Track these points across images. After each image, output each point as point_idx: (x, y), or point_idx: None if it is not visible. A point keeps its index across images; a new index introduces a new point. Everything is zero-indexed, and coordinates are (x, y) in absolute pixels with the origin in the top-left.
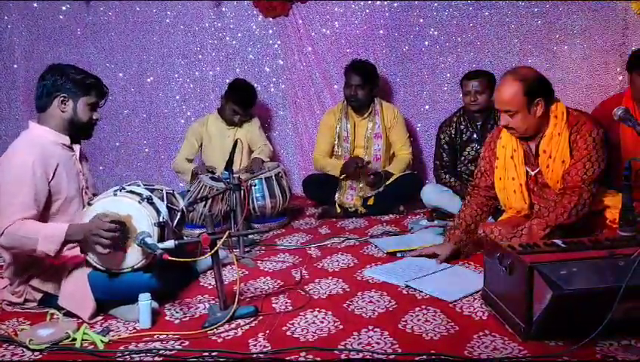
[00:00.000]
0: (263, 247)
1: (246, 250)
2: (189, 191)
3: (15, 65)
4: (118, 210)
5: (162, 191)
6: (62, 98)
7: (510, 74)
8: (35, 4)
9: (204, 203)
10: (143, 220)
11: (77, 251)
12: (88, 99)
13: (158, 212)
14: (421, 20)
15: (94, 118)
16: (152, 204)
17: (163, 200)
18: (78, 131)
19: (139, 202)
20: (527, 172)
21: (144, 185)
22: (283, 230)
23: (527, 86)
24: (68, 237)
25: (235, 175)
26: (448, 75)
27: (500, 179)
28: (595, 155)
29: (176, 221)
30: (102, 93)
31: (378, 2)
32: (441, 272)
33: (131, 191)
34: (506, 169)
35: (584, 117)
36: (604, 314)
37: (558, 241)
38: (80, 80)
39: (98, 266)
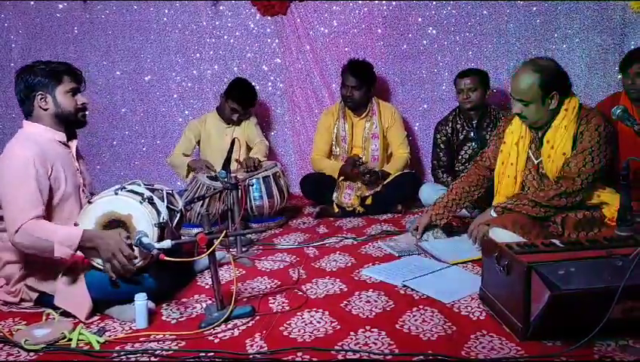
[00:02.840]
0: (261, 247)
1: (243, 249)
2: (186, 190)
3: (12, 64)
4: (118, 210)
5: (162, 191)
6: (39, 96)
7: (529, 64)
8: (32, 3)
9: (201, 202)
10: (143, 220)
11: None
12: (64, 87)
13: (159, 212)
14: (420, 19)
15: (79, 103)
16: (152, 204)
17: (163, 201)
18: (69, 122)
19: (140, 202)
20: (530, 159)
21: (144, 184)
22: (280, 229)
23: (545, 78)
24: (82, 243)
25: (232, 174)
26: (447, 74)
27: (503, 163)
28: (598, 150)
29: (175, 221)
30: (76, 76)
31: (376, 1)
32: (438, 273)
33: (132, 191)
34: (509, 154)
35: (594, 112)
36: (602, 314)
37: (556, 241)
38: (48, 71)
39: (96, 266)
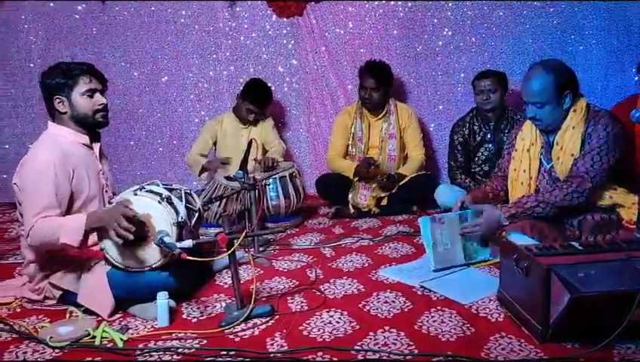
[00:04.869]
0: (277, 247)
1: (260, 249)
2: (203, 190)
3: (31, 65)
4: (138, 209)
5: (181, 191)
6: (57, 99)
7: (541, 65)
8: (51, 4)
9: (218, 202)
10: (162, 220)
11: (97, 248)
12: (80, 88)
13: (177, 212)
14: (435, 20)
15: (97, 103)
16: (171, 203)
17: (181, 200)
18: (87, 124)
19: (158, 202)
20: (542, 165)
21: (163, 184)
22: (297, 229)
23: (559, 77)
24: (88, 226)
25: (250, 175)
26: (462, 75)
27: (515, 170)
28: (606, 150)
29: (193, 221)
30: (95, 76)
31: (392, 2)
32: (455, 274)
33: (151, 191)
34: (521, 161)
35: (603, 112)
36: (621, 317)
37: (575, 243)
38: (63, 73)
39: (117, 265)
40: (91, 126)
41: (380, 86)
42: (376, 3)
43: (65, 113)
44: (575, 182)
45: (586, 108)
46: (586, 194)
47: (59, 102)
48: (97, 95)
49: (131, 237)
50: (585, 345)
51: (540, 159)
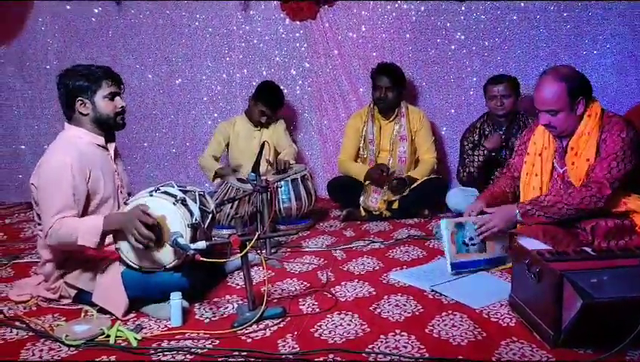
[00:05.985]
0: (289, 249)
1: (272, 251)
2: (215, 192)
3: (48, 66)
4: (153, 210)
5: (195, 192)
6: (79, 101)
7: (552, 73)
8: (67, 6)
9: (230, 204)
10: (177, 221)
11: (111, 248)
12: (103, 92)
13: (191, 213)
14: (448, 24)
15: (118, 106)
16: (185, 205)
17: (196, 202)
18: (108, 126)
19: (173, 203)
20: (556, 169)
21: (178, 186)
22: (308, 232)
23: (571, 85)
24: (105, 228)
25: (262, 177)
26: (475, 79)
27: (527, 174)
28: (622, 155)
29: (207, 222)
30: (115, 80)
31: (405, 6)
32: (467, 278)
33: (166, 192)
34: (533, 165)
35: (617, 118)
36: (634, 323)
37: (588, 249)
38: (86, 76)
39: (131, 265)
40: (111, 128)
41: (394, 85)
42: (388, 6)
43: (86, 115)
44: (595, 187)
45: (601, 113)
46: (604, 199)
47: (81, 104)
48: (117, 98)
49: (151, 244)
50: (597, 351)
51: (553, 163)
